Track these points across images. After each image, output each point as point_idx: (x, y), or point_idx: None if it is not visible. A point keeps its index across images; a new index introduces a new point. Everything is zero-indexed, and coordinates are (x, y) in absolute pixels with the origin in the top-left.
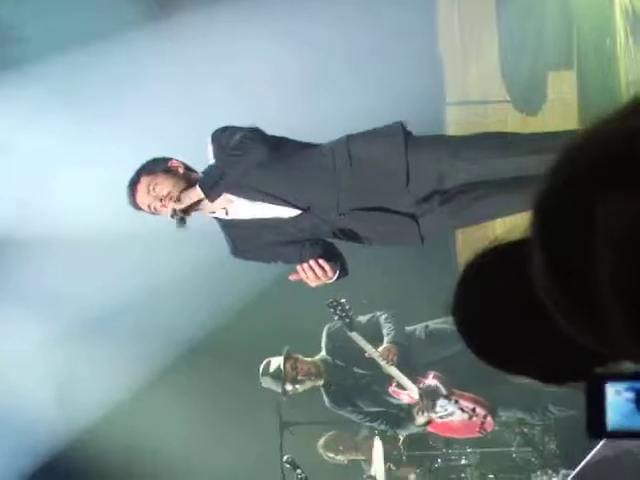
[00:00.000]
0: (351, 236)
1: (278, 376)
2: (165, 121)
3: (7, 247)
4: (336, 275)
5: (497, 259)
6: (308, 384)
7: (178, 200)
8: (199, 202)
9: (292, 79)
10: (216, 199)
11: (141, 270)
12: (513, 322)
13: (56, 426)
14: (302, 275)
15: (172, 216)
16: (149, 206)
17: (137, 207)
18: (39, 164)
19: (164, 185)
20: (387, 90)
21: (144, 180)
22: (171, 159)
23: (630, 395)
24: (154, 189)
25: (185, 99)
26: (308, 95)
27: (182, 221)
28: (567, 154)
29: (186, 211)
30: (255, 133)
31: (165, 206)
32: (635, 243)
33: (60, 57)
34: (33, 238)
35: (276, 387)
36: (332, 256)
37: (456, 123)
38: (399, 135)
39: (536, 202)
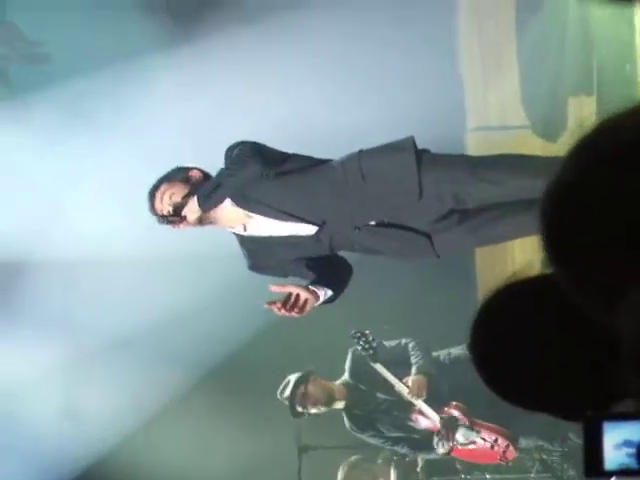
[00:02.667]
0: (367, 250)
1: (289, 396)
2: (181, 142)
3: (23, 269)
4: (315, 303)
5: (514, 298)
6: (321, 407)
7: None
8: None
9: (312, 100)
10: (209, 210)
11: (159, 291)
12: (530, 363)
13: (71, 450)
14: (274, 308)
15: (163, 217)
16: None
17: (155, 214)
18: (56, 185)
19: (178, 194)
20: (407, 114)
21: (162, 188)
22: (193, 168)
23: (630, 450)
24: (170, 197)
25: (200, 120)
26: (326, 115)
27: (164, 220)
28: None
29: (174, 213)
30: (252, 147)
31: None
32: None
33: (79, 78)
34: (49, 260)
35: (288, 408)
36: (329, 280)
37: (476, 148)
38: (410, 149)
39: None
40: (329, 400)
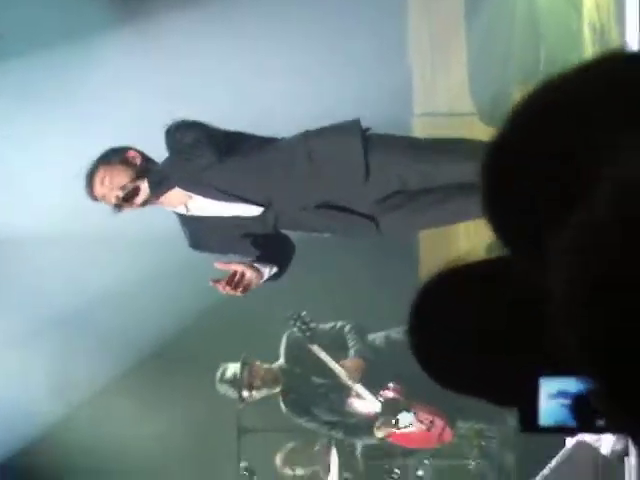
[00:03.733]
0: (309, 229)
1: (234, 382)
2: (126, 122)
3: None
4: (259, 281)
5: (453, 281)
6: (264, 391)
7: (124, 189)
8: (140, 194)
9: (258, 83)
10: (160, 197)
11: (101, 273)
12: (468, 349)
13: (18, 423)
14: (218, 284)
15: (114, 204)
16: (104, 197)
17: (94, 198)
18: (6, 162)
19: (120, 177)
20: (355, 98)
21: (101, 170)
22: (130, 149)
23: (563, 400)
24: (110, 181)
25: (146, 100)
26: (272, 97)
27: (118, 207)
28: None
29: (126, 200)
30: (209, 137)
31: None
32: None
33: (28, 56)
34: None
35: (232, 393)
36: (272, 257)
37: (423, 134)
38: (357, 130)
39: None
40: (274, 383)
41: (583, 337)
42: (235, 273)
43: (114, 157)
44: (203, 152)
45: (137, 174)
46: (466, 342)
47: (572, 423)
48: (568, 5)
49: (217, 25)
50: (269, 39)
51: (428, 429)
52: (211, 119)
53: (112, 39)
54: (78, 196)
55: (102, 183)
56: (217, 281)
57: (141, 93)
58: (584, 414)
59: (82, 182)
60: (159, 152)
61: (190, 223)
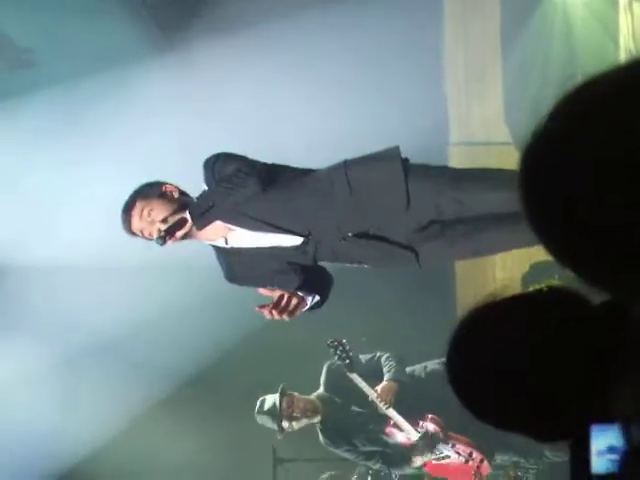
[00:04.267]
0: (348, 260)
1: (274, 413)
2: (169, 152)
3: (8, 274)
4: (303, 308)
5: (491, 315)
6: (304, 421)
7: (165, 222)
8: (185, 226)
9: (299, 111)
10: (203, 228)
11: (141, 301)
12: (504, 380)
13: (51, 454)
14: (265, 312)
15: (157, 237)
16: (142, 231)
17: (132, 233)
18: (42, 191)
19: (159, 210)
20: (392, 127)
21: (139, 205)
22: (165, 183)
23: (611, 456)
24: (149, 214)
25: (189, 129)
26: (313, 126)
27: (162, 240)
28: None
29: (170, 232)
30: (251, 167)
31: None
32: None
33: (65, 84)
34: (35, 266)
35: (272, 424)
36: (313, 287)
37: (458, 163)
38: (397, 159)
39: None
40: (313, 413)
41: None
42: (281, 298)
43: (151, 191)
44: (246, 183)
45: (177, 207)
46: (506, 377)
47: (618, 471)
48: (604, 34)
49: (254, 55)
50: (306, 68)
51: (466, 461)
52: (248, 149)
53: (151, 67)
54: (114, 226)
55: (141, 217)
56: (263, 307)
57: (179, 122)
58: (633, 463)
59: (118, 214)
60: (196, 179)
61: (226, 256)
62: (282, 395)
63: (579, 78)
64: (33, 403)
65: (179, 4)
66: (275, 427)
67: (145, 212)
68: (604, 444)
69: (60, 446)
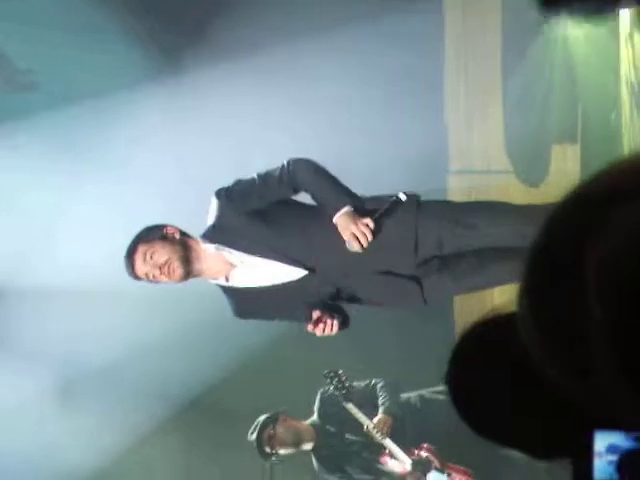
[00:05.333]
0: (354, 298)
1: (256, 438)
2: (168, 177)
3: (2, 298)
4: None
5: (493, 331)
6: (290, 448)
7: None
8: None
9: (297, 137)
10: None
11: (137, 326)
12: (507, 396)
13: (53, 478)
14: (311, 327)
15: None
16: (147, 275)
17: (136, 277)
18: (39, 216)
19: (161, 253)
20: (392, 155)
21: (141, 249)
22: (166, 226)
23: (611, 457)
24: (151, 257)
25: (190, 156)
26: (313, 154)
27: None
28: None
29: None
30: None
31: (164, 274)
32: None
33: (67, 107)
34: (29, 291)
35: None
36: (334, 309)
37: (458, 191)
38: (413, 207)
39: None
40: (297, 441)
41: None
42: (320, 317)
43: (152, 234)
44: (252, 204)
45: (184, 250)
46: (502, 390)
47: (617, 475)
48: (605, 65)
49: (255, 79)
50: (306, 94)
51: None
52: (248, 173)
53: (151, 91)
54: (113, 250)
55: (144, 261)
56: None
57: (178, 146)
58: (631, 466)
59: (115, 238)
60: (193, 204)
61: (234, 294)
62: (270, 420)
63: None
64: (25, 429)
65: (181, 28)
66: (257, 450)
67: (147, 256)
68: (603, 445)
69: (53, 473)
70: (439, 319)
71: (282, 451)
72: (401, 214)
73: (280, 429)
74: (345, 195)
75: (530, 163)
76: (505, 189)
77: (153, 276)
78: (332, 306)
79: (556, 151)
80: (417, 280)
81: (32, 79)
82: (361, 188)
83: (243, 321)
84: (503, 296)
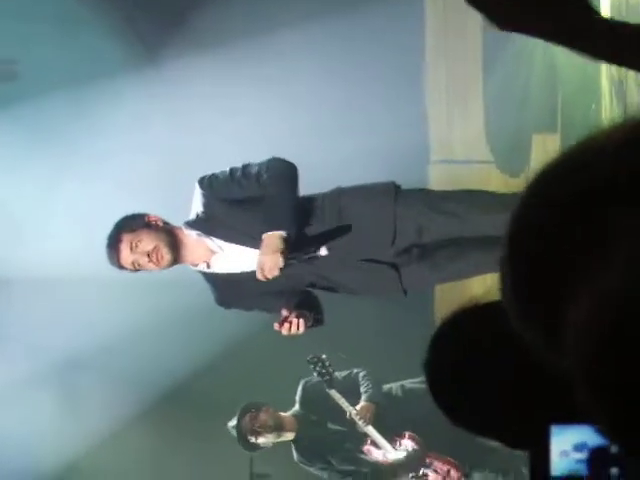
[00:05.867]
0: (334, 287)
1: (236, 428)
2: (148, 166)
3: None
4: (307, 327)
5: (472, 318)
6: (271, 437)
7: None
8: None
9: (278, 129)
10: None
11: (116, 315)
12: (481, 384)
13: (23, 470)
14: (277, 326)
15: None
16: (134, 263)
17: (121, 267)
18: (18, 204)
19: (149, 240)
20: (373, 145)
21: (126, 238)
22: (147, 214)
23: (576, 453)
24: (137, 245)
25: (169, 145)
26: (292, 146)
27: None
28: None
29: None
30: (281, 160)
31: (152, 261)
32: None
33: (47, 97)
34: (7, 279)
35: (237, 439)
36: (308, 306)
37: (439, 181)
38: (391, 195)
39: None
40: (278, 429)
41: (597, 385)
42: (287, 317)
43: (135, 223)
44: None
45: (170, 236)
46: (479, 379)
47: (585, 472)
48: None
49: (235, 71)
50: (287, 85)
51: (444, 479)
52: (228, 165)
53: (131, 82)
54: (92, 239)
55: (131, 250)
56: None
57: (158, 137)
58: (598, 463)
59: (94, 228)
60: (174, 196)
61: (215, 280)
62: (244, 409)
63: (559, 98)
64: (7, 415)
65: (161, 18)
66: (239, 440)
67: (134, 244)
68: (570, 442)
69: (34, 459)
70: (420, 310)
71: (262, 439)
72: (379, 202)
73: (262, 415)
74: (292, 221)
75: (511, 153)
76: (486, 179)
77: (139, 264)
78: (308, 301)
79: (536, 141)
80: (396, 269)
81: (10, 69)
82: (342, 177)
83: (226, 311)
84: (484, 286)
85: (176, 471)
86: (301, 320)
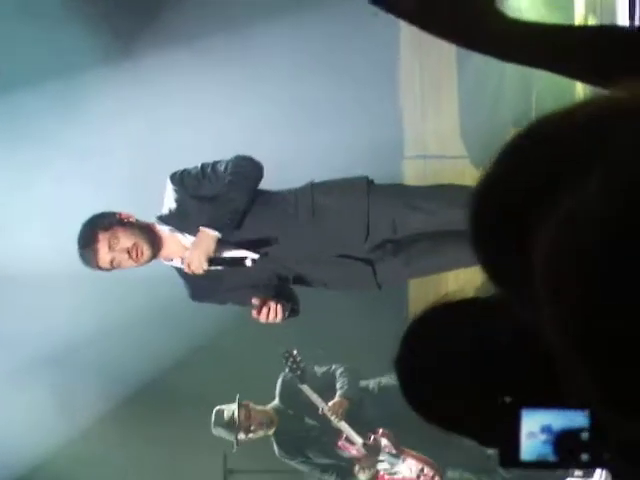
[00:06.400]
0: (308, 281)
1: (231, 426)
2: (125, 160)
3: None
4: (285, 315)
5: (443, 315)
6: (260, 433)
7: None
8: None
9: (252, 123)
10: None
11: (90, 311)
12: (452, 379)
13: (4, 465)
14: (256, 313)
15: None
16: (111, 261)
17: (97, 267)
18: None
19: (126, 237)
20: (347, 141)
21: (103, 236)
22: (118, 212)
23: (545, 437)
24: (116, 243)
25: (144, 142)
26: (266, 141)
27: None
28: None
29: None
30: (243, 160)
31: (132, 258)
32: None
33: (19, 91)
34: None
35: (229, 437)
36: (285, 297)
37: (414, 177)
38: (363, 190)
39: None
40: (270, 425)
41: (577, 335)
42: (263, 302)
43: (110, 221)
44: (245, 181)
45: (146, 232)
46: (449, 373)
47: (554, 458)
48: None
49: (211, 65)
50: (260, 81)
51: (417, 477)
52: (205, 160)
53: (105, 76)
54: (66, 235)
55: (109, 248)
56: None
57: (132, 133)
58: (567, 449)
59: (64, 222)
60: (149, 191)
61: (189, 275)
62: (240, 406)
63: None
64: None
65: (135, 12)
66: (232, 439)
67: (112, 242)
68: (536, 425)
69: (8, 457)
70: (393, 305)
71: (253, 436)
72: (353, 197)
73: (254, 414)
74: (230, 227)
75: (485, 148)
76: (460, 174)
77: (118, 262)
78: (284, 292)
79: (511, 135)
80: (370, 264)
81: None
82: (317, 172)
83: (199, 305)
84: (458, 281)
85: (150, 466)
86: (279, 306)
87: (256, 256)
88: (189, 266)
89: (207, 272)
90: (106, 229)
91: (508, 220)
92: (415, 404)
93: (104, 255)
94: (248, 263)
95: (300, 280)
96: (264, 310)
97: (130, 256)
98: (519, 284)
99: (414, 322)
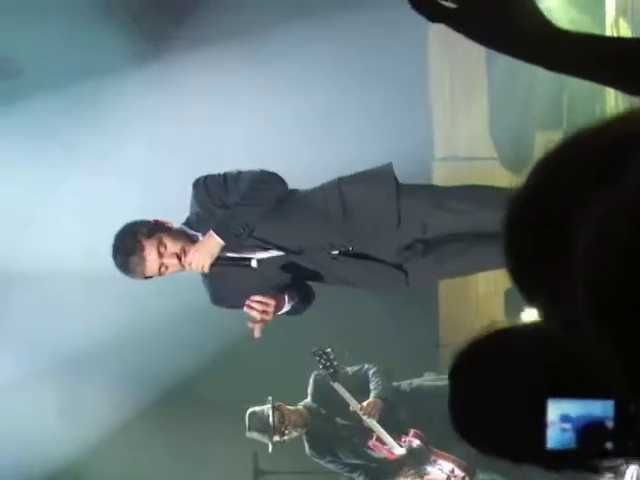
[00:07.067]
0: (337, 279)
1: (267, 429)
2: (152, 162)
3: None
4: (283, 308)
5: (487, 348)
6: (295, 434)
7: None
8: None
9: (283, 126)
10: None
11: (123, 313)
12: (499, 410)
13: (19, 467)
14: (247, 309)
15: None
16: (160, 267)
17: (143, 275)
18: (22, 200)
19: (173, 242)
20: (378, 143)
21: (149, 243)
22: (155, 219)
23: (565, 425)
24: (165, 249)
25: (175, 141)
26: (298, 143)
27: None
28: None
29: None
30: (267, 177)
31: (181, 263)
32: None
33: (50, 93)
34: (10, 274)
35: (264, 440)
36: (294, 290)
37: (444, 178)
38: (390, 177)
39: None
40: (304, 425)
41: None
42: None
43: (151, 228)
44: (270, 192)
45: (184, 236)
46: (501, 407)
47: (577, 446)
48: None
49: (240, 66)
50: (291, 81)
51: (447, 478)
52: (234, 160)
53: (136, 77)
54: (96, 236)
55: (159, 254)
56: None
57: (162, 133)
58: (592, 437)
59: (97, 223)
60: (180, 191)
61: (211, 278)
62: (273, 409)
63: (564, 95)
64: (6, 412)
65: (165, 14)
66: (267, 442)
67: (161, 249)
68: (556, 413)
69: (34, 456)
70: (423, 305)
71: (287, 438)
72: (383, 190)
73: (288, 414)
74: (236, 240)
75: (514, 149)
76: (490, 176)
77: (166, 267)
78: (297, 288)
79: (540, 137)
80: (400, 265)
81: (13, 66)
82: (347, 173)
83: (225, 310)
84: (488, 286)
85: (178, 468)
86: (270, 300)
87: (262, 256)
88: (190, 265)
89: (221, 275)
90: (149, 236)
91: (547, 226)
92: (468, 437)
93: (153, 262)
94: (254, 264)
95: (329, 278)
96: (255, 305)
97: (180, 260)
98: (552, 287)
99: (459, 359)
